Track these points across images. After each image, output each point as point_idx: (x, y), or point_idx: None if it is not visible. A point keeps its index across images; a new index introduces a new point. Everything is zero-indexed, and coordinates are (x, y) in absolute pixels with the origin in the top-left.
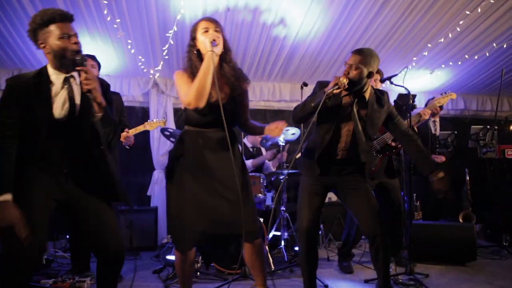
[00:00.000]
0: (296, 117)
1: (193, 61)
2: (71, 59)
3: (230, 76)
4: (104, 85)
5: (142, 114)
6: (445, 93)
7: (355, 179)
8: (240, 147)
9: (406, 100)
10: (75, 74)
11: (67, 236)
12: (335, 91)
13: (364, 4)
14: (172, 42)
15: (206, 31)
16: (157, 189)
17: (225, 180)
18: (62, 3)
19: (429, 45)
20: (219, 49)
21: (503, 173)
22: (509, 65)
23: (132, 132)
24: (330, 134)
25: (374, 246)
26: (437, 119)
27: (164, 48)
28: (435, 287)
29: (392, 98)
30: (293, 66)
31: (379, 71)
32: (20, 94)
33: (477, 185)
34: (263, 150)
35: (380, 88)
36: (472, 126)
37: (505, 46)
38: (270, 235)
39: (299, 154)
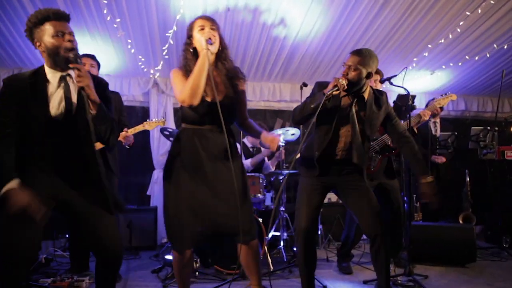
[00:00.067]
0: (295, 118)
1: (189, 59)
2: (64, 57)
3: (226, 74)
4: (102, 84)
5: (142, 114)
6: (445, 94)
7: (355, 179)
8: (238, 146)
9: (405, 101)
10: (71, 72)
11: (67, 236)
12: (334, 93)
13: (364, 4)
14: (172, 42)
15: (202, 29)
16: (157, 188)
17: (222, 180)
18: (62, 3)
19: (429, 45)
20: (214, 48)
21: (504, 174)
22: (510, 66)
23: (131, 131)
24: (329, 135)
25: (375, 246)
26: (438, 120)
27: (164, 48)
28: None
29: (392, 98)
30: (293, 66)
31: (379, 72)
32: (17, 94)
33: (477, 186)
34: (263, 150)
35: (380, 89)
36: (472, 127)
37: (505, 47)
38: (270, 235)
39: (299, 155)
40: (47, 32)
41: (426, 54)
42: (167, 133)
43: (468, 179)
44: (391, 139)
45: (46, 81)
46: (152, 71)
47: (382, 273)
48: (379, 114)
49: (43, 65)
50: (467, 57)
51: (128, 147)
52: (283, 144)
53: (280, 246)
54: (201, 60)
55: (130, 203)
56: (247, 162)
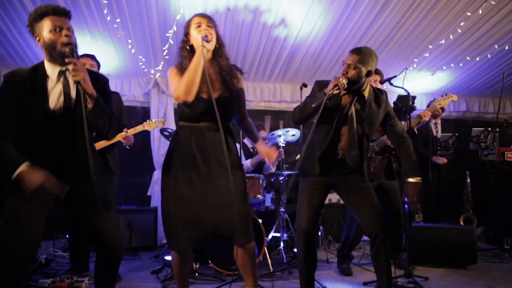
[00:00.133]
0: (296, 118)
1: (185, 56)
2: (60, 52)
3: (222, 72)
4: (102, 80)
5: (143, 114)
6: (446, 94)
7: (356, 178)
8: (238, 146)
9: (405, 102)
10: (70, 67)
11: (67, 236)
12: (335, 92)
13: (364, 5)
14: (172, 42)
15: (199, 27)
16: (157, 189)
17: (218, 179)
18: (62, 2)
19: (430, 46)
20: (211, 45)
21: (505, 175)
22: (511, 67)
23: (131, 132)
24: (331, 134)
25: (375, 246)
26: (439, 121)
27: (164, 48)
28: None
29: (392, 99)
30: (294, 66)
31: (379, 72)
32: (16, 89)
33: (478, 188)
34: None
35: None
36: (473, 128)
37: (506, 48)
38: (270, 236)
39: (299, 156)
40: (46, 27)
41: (427, 54)
42: (167, 133)
43: (469, 180)
44: (389, 138)
45: (45, 76)
46: (152, 71)
47: (383, 274)
48: (378, 113)
49: (43, 61)
50: (468, 58)
51: (128, 148)
52: (283, 145)
53: (280, 247)
54: (196, 56)
55: (131, 204)
56: (247, 163)
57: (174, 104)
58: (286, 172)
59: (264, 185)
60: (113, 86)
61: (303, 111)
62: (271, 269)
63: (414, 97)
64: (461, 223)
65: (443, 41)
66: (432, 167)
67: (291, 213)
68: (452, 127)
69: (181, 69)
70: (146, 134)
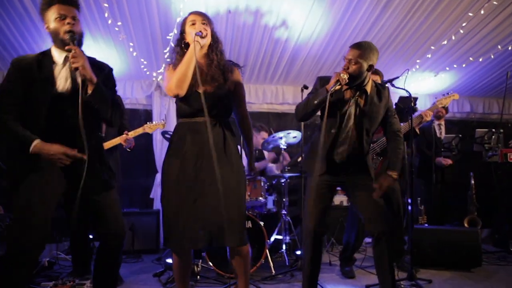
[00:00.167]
0: (299, 115)
1: (179, 53)
2: (61, 39)
3: (218, 66)
4: (106, 68)
5: (145, 117)
6: (448, 93)
7: (362, 177)
8: (239, 147)
9: (407, 103)
10: (70, 54)
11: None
12: (336, 88)
13: (366, 6)
14: (173, 45)
15: (194, 24)
16: (160, 191)
17: (213, 179)
18: None
19: (432, 47)
20: (205, 40)
21: (510, 176)
22: None
23: (132, 134)
24: (335, 129)
25: (378, 246)
26: (442, 122)
27: (165, 51)
28: None
29: (394, 101)
30: (296, 68)
31: (378, 73)
32: (24, 72)
33: (482, 189)
34: (265, 152)
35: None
36: (477, 130)
37: (510, 48)
38: (272, 239)
39: (300, 158)
40: (52, 15)
41: (429, 56)
42: (168, 136)
43: (473, 182)
44: (385, 135)
45: (52, 61)
46: (154, 74)
47: (386, 276)
48: (380, 107)
49: (50, 48)
50: (471, 58)
51: (129, 150)
52: (285, 147)
53: (282, 250)
54: (189, 51)
55: (133, 206)
56: None
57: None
58: (288, 174)
59: (266, 187)
60: None
61: (306, 108)
62: (273, 272)
63: (415, 98)
64: (466, 225)
65: (445, 42)
66: (436, 169)
67: (293, 215)
68: (456, 128)
69: (176, 66)
70: (148, 137)
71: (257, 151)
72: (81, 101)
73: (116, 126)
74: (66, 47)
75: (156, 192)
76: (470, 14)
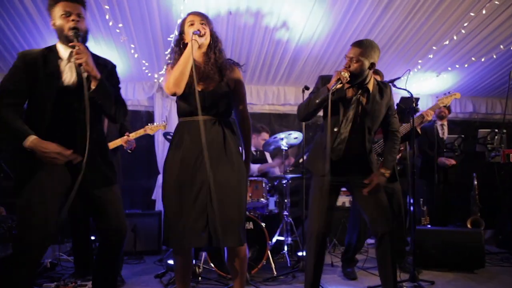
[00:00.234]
0: (300, 115)
1: (178, 53)
2: (66, 35)
3: (216, 65)
4: (109, 65)
5: (147, 118)
6: (449, 93)
7: (365, 177)
8: (240, 147)
9: (409, 103)
10: (74, 50)
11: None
12: (338, 86)
13: (366, 7)
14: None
15: (192, 24)
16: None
17: (215, 176)
18: None
19: (434, 47)
20: (203, 39)
21: None
22: None
23: (133, 136)
24: (338, 127)
25: (381, 246)
26: (445, 123)
27: (167, 52)
28: None
29: (396, 101)
30: (297, 69)
31: (379, 73)
32: (29, 66)
33: (485, 190)
34: (267, 154)
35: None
36: (480, 130)
37: None
38: (274, 240)
39: (301, 159)
40: (58, 12)
41: (431, 56)
42: (170, 137)
43: (476, 182)
44: (383, 134)
45: (58, 56)
46: (156, 76)
47: (388, 277)
48: (381, 105)
49: (56, 44)
50: (473, 58)
51: (130, 152)
52: (286, 148)
53: (284, 251)
54: (187, 50)
55: (135, 207)
56: (254, 167)
57: None
58: (289, 176)
59: (268, 188)
60: None
61: (308, 107)
62: (275, 273)
63: (417, 99)
64: (469, 226)
65: (447, 42)
66: (438, 169)
67: (295, 216)
68: (459, 128)
69: (174, 65)
70: (150, 138)
71: (258, 152)
72: (86, 95)
73: (120, 122)
74: (70, 44)
75: (158, 194)
76: (472, 14)
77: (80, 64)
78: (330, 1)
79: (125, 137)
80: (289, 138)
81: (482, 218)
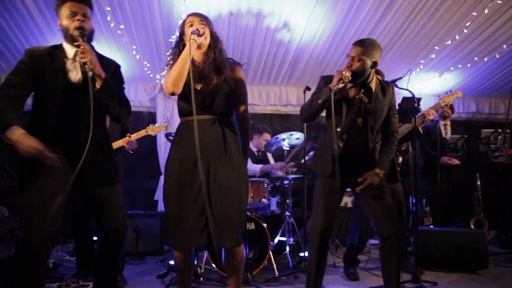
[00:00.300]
0: (303, 116)
1: (177, 54)
2: (71, 35)
3: (215, 64)
4: (113, 65)
5: (149, 119)
6: (450, 91)
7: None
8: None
9: (410, 103)
10: (79, 50)
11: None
12: (340, 86)
13: (368, 7)
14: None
15: (192, 25)
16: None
17: (215, 176)
18: None
19: (436, 47)
20: (202, 38)
21: None
22: None
23: (134, 136)
24: (341, 128)
25: (386, 246)
26: (448, 123)
27: (168, 54)
28: None
29: (397, 101)
30: (299, 70)
31: (380, 73)
32: (35, 64)
33: (488, 190)
34: (268, 155)
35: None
36: (483, 130)
37: None
38: (276, 241)
39: (303, 160)
40: (64, 12)
41: (433, 56)
42: (172, 138)
43: (479, 182)
44: (382, 134)
45: (64, 54)
46: (158, 77)
47: (391, 279)
48: (384, 104)
49: (62, 43)
50: (476, 58)
51: (131, 152)
52: (288, 149)
53: (286, 252)
54: (185, 49)
55: (137, 208)
56: (255, 167)
57: None
58: (291, 176)
59: (269, 189)
60: None
61: (311, 108)
62: (277, 273)
63: (419, 99)
64: (472, 226)
65: (449, 42)
66: (441, 169)
67: (297, 217)
68: (462, 128)
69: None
70: (152, 139)
71: (259, 153)
72: (91, 93)
73: (123, 122)
74: (75, 43)
75: (160, 194)
76: (474, 13)
77: (85, 63)
78: (332, 1)
79: (127, 138)
80: (291, 138)
81: (485, 219)
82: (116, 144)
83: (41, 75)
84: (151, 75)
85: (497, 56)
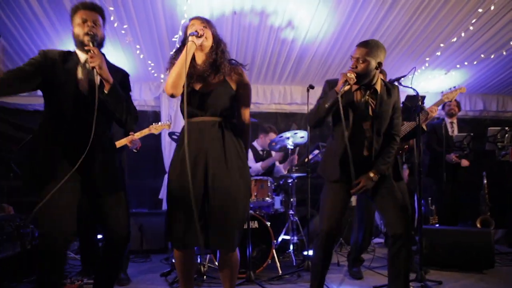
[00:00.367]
0: (311, 122)
1: (177, 58)
2: (81, 41)
3: (210, 64)
4: (122, 73)
5: (154, 118)
6: (454, 87)
7: (380, 180)
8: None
9: (414, 101)
10: (89, 54)
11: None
12: (346, 88)
13: (372, 5)
14: (179, 46)
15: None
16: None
17: (213, 180)
18: (69, 7)
19: (441, 45)
20: (201, 40)
21: None
22: None
23: (138, 135)
24: (348, 131)
25: (395, 247)
26: (455, 120)
27: (172, 53)
28: None
29: (402, 100)
30: (303, 68)
31: (382, 72)
32: (48, 61)
33: (495, 189)
34: (274, 154)
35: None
36: (490, 128)
37: None
38: (279, 239)
39: (307, 159)
40: (76, 21)
41: (439, 53)
42: (175, 137)
43: (485, 181)
44: (383, 136)
45: (76, 59)
46: (162, 76)
47: (399, 280)
48: (389, 106)
49: (74, 50)
50: (482, 55)
51: (135, 151)
52: (292, 147)
53: (290, 250)
54: (184, 51)
55: (142, 207)
56: (257, 166)
57: None
58: (295, 175)
59: (273, 187)
60: None
61: (318, 113)
62: (280, 272)
63: (423, 97)
64: (478, 225)
65: (455, 40)
66: (448, 167)
67: (301, 215)
68: (469, 127)
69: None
70: (157, 137)
71: (264, 152)
72: (97, 98)
73: (130, 128)
74: (85, 47)
75: (164, 193)
76: (480, 10)
77: (93, 67)
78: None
79: (130, 136)
80: (295, 137)
81: (492, 218)
82: (119, 143)
83: (53, 75)
84: (155, 75)
85: (504, 53)
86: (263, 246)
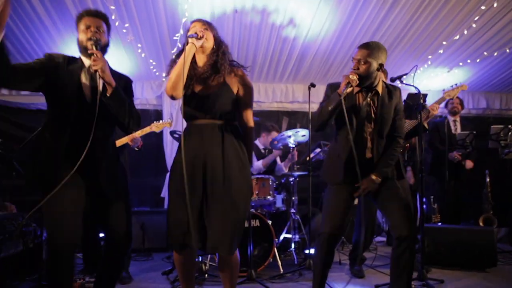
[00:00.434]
0: (315, 125)
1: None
2: (85, 46)
3: (211, 65)
4: (124, 79)
5: (156, 117)
6: (456, 85)
7: (384, 182)
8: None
9: (416, 100)
10: (92, 58)
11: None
12: (348, 90)
13: (373, 3)
14: (180, 45)
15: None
16: None
17: (211, 183)
18: (72, 8)
19: (444, 43)
20: (200, 42)
21: None
22: None
23: (139, 133)
24: (351, 134)
25: (400, 248)
26: (458, 119)
27: (173, 52)
28: None
29: (403, 98)
30: (305, 66)
31: (384, 70)
32: (53, 62)
33: (498, 187)
34: (274, 150)
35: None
36: (492, 126)
37: None
38: (281, 238)
39: (308, 158)
40: (80, 28)
41: (441, 51)
42: (177, 136)
43: (488, 179)
44: (385, 138)
45: (80, 64)
46: (164, 74)
47: (401, 281)
48: (390, 108)
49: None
50: (485, 53)
51: (136, 149)
52: (294, 146)
53: (291, 249)
54: (184, 53)
55: (144, 205)
56: (258, 164)
57: None
58: (297, 173)
59: (274, 186)
60: None
61: (321, 116)
62: (281, 270)
63: (425, 95)
64: (481, 224)
65: (457, 37)
66: (450, 166)
67: (302, 214)
68: (472, 125)
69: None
70: (159, 136)
71: (266, 150)
72: (98, 100)
73: (132, 131)
74: (88, 51)
75: (166, 191)
76: (483, 7)
77: (96, 71)
78: None
79: (131, 134)
80: (297, 135)
81: (494, 216)
82: (120, 141)
83: (56, 76)
84: (157, 73)
85: (507, 51)
86: (265, 244)
